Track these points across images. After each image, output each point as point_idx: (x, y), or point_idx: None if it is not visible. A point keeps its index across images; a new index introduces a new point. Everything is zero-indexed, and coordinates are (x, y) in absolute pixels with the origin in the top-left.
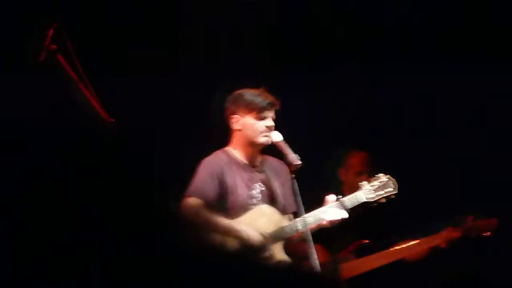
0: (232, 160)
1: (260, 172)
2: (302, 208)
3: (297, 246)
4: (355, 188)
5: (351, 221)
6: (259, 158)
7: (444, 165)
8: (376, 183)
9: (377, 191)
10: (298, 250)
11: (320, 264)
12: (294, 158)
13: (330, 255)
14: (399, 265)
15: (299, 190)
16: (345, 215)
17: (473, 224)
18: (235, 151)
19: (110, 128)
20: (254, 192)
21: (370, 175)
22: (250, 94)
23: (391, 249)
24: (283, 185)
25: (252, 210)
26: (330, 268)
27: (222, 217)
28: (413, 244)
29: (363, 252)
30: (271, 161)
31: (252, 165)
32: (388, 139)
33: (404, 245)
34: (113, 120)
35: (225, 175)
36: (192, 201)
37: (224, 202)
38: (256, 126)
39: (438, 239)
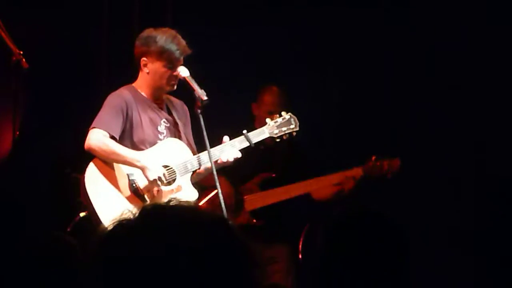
0: (138, 97)
1: (163, 110)
2: (207, 143)
3: (206, 178)
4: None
5: (258, 154)
6: (163, 98)
7: (354, 108)
8: (279, 120)
9: (280, 127)
10: (206, 181)
11: (224, 194)
12: (201, 94)
13: (234, 187)
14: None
15: (206, 125)
16: (238, 154)
17: (375, 164)
18: (141, 89)
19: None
20: (159, 128)
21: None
22: (163, 40)
23: (295, 184)
24: (184, 125)
25: (160, 143)
26: (234, 199)
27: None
28: (314, 180)
29: (268, 185)
30: (174, 101)
31: (156, 103)
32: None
33: (306, 181)
34: (21, 52)
35: (130, 110)
36: (98, 132)
37: (130, 136)
38: (165, 75)
39: (339, 177)
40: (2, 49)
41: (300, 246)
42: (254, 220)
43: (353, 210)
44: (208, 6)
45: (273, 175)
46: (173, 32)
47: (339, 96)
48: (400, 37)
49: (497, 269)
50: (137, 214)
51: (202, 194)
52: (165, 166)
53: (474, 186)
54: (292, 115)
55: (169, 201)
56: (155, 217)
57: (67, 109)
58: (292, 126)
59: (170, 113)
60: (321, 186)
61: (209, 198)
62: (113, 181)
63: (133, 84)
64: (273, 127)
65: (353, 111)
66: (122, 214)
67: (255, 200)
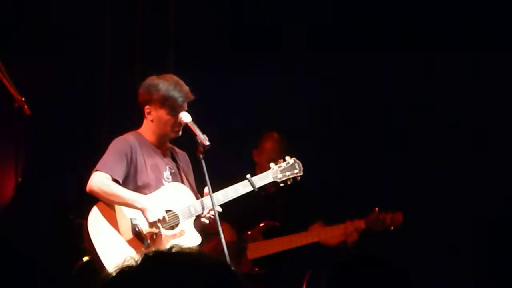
0: (143, 143)
1: (168, 157)
2: (209, 187)
3: (210, 224)
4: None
5: (261, 201)
6: (167, 145)
7: (359, 158)
8: (283, 164)
9: (284, 172)
10: (209, 228)
11: (227, 242)
12: (203, 139)
13: (237, 234)
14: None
15: (208, 170)
16: (219, 209)
17: (378, 217)
18: (146, 135)
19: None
20: (164, 173)
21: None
22: (165, 87)
23: (298, 234)
24: (187, 174)
25: (163, 187)
26: (236, 247)
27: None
28: (317, 231)
29: (271, 234)
30: (177, 150)
31: (161, 150)
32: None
33: (309, 232)
34: (23, 98)
35: (135, 155)
36: (100, 175)
37: (135, 180)
38: (169, 122)
39: (341, 229)
40: (5, 95)
41: None
42: (256, 269)
43: (356, 257)
44: (210, 50)
45: (277, 224)
46: (175, 78)
47: (342, 143)
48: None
49: None
50: (139, 261)
51: (205, 240)
52: (168, 211)
53: (473, 239)
54: (296, 160)
55: (171, 247)
56: (156, 264)
57: (69, 154)
58: (296, 171)
59: (174, 160)
60: (323, 238)
61: (212, 245)
62: (116, 224)
63: (139, 130)
64: (276, 172)
65: (357, 161)
66: (124, 261)
67: (258, 249)
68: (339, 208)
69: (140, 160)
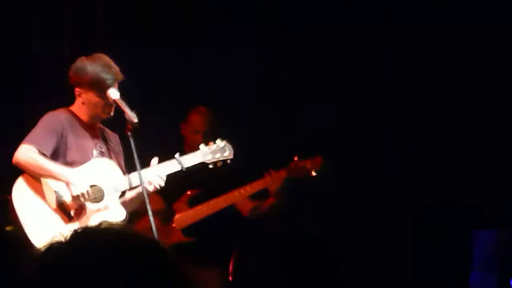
0: (74, 121)
1: (98, 137)
2: (138, 165)
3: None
4: (193, 145)
5: (184, 171)
6: (98, 125)
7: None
8: (213, 147)
9: (214, 154)
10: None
11: (157, 212)
12: (132, 116)
13: (166, 205)
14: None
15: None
16: (161, 183)
17: (298, 164)
18: (78, 114)
19: None
20: (94, 151)
21: (207, 134)
22: (93, 69)
23: (221, 196)
24: (116, 155)
25: (90, 162)
26: (165, 218)
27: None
28: (239, 189)
29: (196, 201)
30: (108, 132)
31: (92, 129)
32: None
33: (231, 192)
34: None
35: (66, 132)
36: (27, 148)
37: (64, 157)
38: (99, 104)
39: (264, 183)
40: None
41: (231, 268)
42: (184, 238)
43: (285, 233)
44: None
45: (199, 191)
46: (104, 59)
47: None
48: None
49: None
50: (68, 238)
51: (136, 217)
52: (93, 185)
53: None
54: (227, 143)
55: (100, 223)
56: (85, 242)
57: None
58: (226, 154)
59: (104, 141)
60: (247, 195)
61: (142, 222)
62: (41, 196)
63: (71, 108)
64: (206, 153)
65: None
66: (53, 238)
67: (185, 218)
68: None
69: (70, 137)
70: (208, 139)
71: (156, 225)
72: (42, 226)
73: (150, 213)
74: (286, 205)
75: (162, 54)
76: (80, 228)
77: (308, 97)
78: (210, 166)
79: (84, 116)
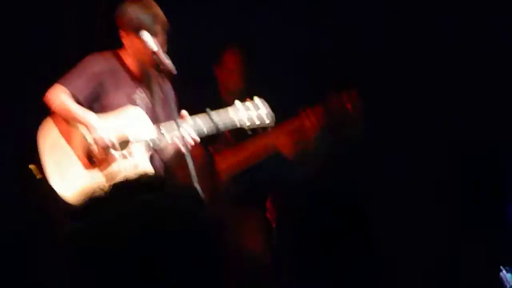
0: (119, 65)
1: (142, 83)
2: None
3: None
4: (228, 85)
5: None
6: (146, 70)
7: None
8: (250, 105)
9: (251, 118)
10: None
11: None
12: (171, 67)
13: (205, 149)
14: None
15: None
16: (196, 137)
17: (333, 98)
18: (125, 58)
19: None
20: (133, 98)
21: (242, 72)
22: (132, 9)
23: (258, 136)
24: (164, 104)
25: (122, 109)
26: (207, 161)
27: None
28: (276, 128)
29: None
30: (161, 78)
31: (136, 74)
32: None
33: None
34: None
35: (104, 76)
36: (59, 88)
37: (99, 102)
38: (142, 51)
39: (303, 118)
40: None
41: (268, 212)
42: (227, 182)
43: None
44: None
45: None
46: (146, 1)
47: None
48: None
49: None
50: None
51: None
52: (119, 134)
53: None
54: (266, 106)
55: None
56: (124, 192)
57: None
58: (267, 122)
59: (150, 87)
60: (284, 133)
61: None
62: (67, 137)
63: (119, 51)
64: (242, 113)
65: None
66: (94, 192)
67: (226, 158)
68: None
69: (108, 82)
70: (243, 78)
71: (197, 170)
72: (62, 169)
73: (189, 158)
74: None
75: None
76: (120, 180)
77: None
78: (249, 133)
79: (129, 61)
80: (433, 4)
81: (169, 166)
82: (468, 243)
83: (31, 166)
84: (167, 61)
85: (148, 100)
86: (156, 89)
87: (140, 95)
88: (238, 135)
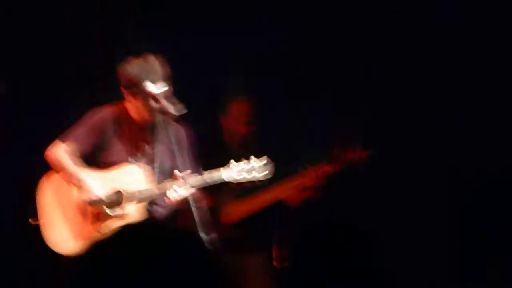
0: (123, 119)
1: (151, 134)
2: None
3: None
4: (237, 136)
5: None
6: (153, 121)
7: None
8: (244, 166)
9: (242, 172)
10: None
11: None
12: (172, 109)
13: (215, 200)
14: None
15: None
16: (185, 193)
17: (341, 157)
18: (129, 109)
19: None
20: (137, 153)
21: (251, 124)
22: (131, 68)
23: (267, 189)
24: (176, 150)
25: (122, 167)
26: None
27: (85, 167)
28: (281, 183)
29: (243, 194)
30: (171, 124)
31: (142, 127)
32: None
33: (276, 187)
34: None
35: (107, 131)
36: (60, 144)
37: (99, 158)
38: (142, 108)
39: (309, 175)
40: None
41: (274, 254)
42: (233, 232)
43: (323, 219)
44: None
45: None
46: (149, 60)
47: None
48: None
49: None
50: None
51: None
52: (117, 192)
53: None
54: (266, 163)
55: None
56: (128, 237)
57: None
58: (259, 178)
59: (158, 138)
60: (290, 188)
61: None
62: (63, 196)
63: (124, 102)
64: (234, 173)
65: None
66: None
67: (231, 211)
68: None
69: (110, 137)
70: (251, 129)
71: (202, 220)
72: (57, 225)
73: (194, 209)
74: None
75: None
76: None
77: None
78: (235, 183)
79: (134, 114)
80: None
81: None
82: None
83: (31, 220)
84: (169, 106)
85: (151, 152)
86: (163, 138)
87: (146, 151)
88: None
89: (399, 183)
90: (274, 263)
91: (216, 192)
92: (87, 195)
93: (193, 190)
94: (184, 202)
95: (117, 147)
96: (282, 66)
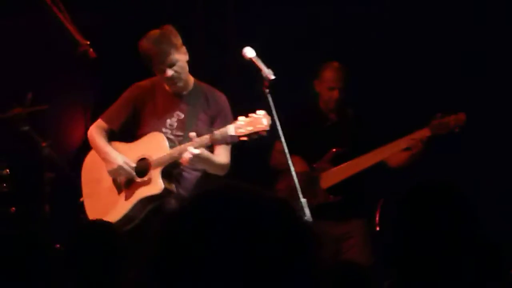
0: (159, 89)
1: (183, 101)
2: (277, 122)
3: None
4: (329, 101)
5: (326, 131)
6: (187, 87)
7: (411, 69)
8: (246, 118)
9: (247, 126)
10: (281, 164)
11: (300, 175)
12: (268, 73)
13: (309, 166)
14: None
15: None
16: (196, 152)
17: (441, 121)
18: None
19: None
20: (169, 120)
21: (343, 90)
22: (144, 44)
23: (365, 155)
24: (208, 118)
25: (149, 136)
26: (309, 178)
27: (113, 141)
28: (383, 148)
29: (340, 160)
30: (209, 93)
31: (177, 95)
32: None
33: (375, 151)
34: (88, 42)
35: (141, 103)
36: (98, 122)
37: (136, 127)
38: (162, 79)
39: (407, 141)
40: (69, 40)
41: (377, 218)
42: (331, 197)
43: (426, 183)
44: None
45: (343, 149)
46: (154, 34)
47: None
48: None
49: None
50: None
51: (279, 176)
52: (142, 159)
53: None
54: (265, 115)
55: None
56: (209, 203)
57: None
58: (260, 126)
59: (190, 104)
60: (390, 154)
61: (285, 181)
62: (99, 171)
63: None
64: (238, 127)
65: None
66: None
67: (330, 177)
68: (400, 126)
69: (145, 108)
70: (344, 95)
71: (300, 186)
72: (95, 199)
73: (292, 169)
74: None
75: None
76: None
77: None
78: (244, 139)
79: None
80: None
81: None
82: None
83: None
84: (265, 68)
85: (185, 122)
86: (195, 105)
87: (178, 118)
88: (339, 155)
89: (497, 146)
90: (377, 228)
91: (315, 158)
92: (109, 165)
93: (202, 149)
94: (285, 167)
95: (151, 118)
96: (383, 32)
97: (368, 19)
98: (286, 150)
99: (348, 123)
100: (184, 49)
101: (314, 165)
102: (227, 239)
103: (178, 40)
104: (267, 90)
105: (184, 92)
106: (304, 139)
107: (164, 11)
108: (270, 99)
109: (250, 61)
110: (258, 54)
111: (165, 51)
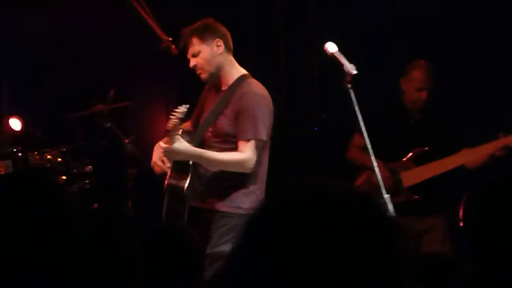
0: (210, 89)
1: (219, 96)
2: (360, 117)
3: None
4: (416, 101)
5: (409, 129)
6: (226, 82)
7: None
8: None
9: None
10: (361, 162)
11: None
12: (351, 68)
13: (389, 165)
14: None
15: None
16: (163, 146)
17: None
18: None
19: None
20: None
21: (431, 91)
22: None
23: (450, 157)
24: (221, 114)
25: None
26: (390, 177)
27: None
28: (469, 151)
29: (422, 159)
30: (238, 90)
31: (217, 91)
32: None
33: (461, 153)
34: (170, 38)
35: (201, 101)
36: None
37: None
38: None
39: (494, 146)
40: (151, 36)
41: (461, 214)
42: (414, 196)
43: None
44: None
45: (427, 149)
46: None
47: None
48: None
49: None
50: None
51: (358, 174)
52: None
53: None
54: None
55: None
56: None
57: None
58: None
59: (223, 101)
60: (476, 157)
61: (365, 177)
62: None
63: None
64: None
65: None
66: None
67: (412, 176)
68: (481, 130)
69: (202, 105)
70: (432, 95)
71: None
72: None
73: (375, 165)
74: None
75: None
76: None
77: None
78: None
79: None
80: None
81: None
82: None
83: None
84: (347, 63)
85: (207, 117)
86: (223, 99)
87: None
88: (422, 155)
89: None
90: (461, 224)
91: (394, 154)
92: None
93: (179, 142)
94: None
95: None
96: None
97: (447, 16)
98: (370, 148)
99: (432, 122)
100: (214, 42)
101: (397, 164)
102: (321, 236)
103: (206, 33)
104: (349, 86)
105: (224, 88)
106: (385, 135)
107: (243, 9)
108: (352, 94)
109: (332, 56)
110: (340, 49)
111: (188, 41)
